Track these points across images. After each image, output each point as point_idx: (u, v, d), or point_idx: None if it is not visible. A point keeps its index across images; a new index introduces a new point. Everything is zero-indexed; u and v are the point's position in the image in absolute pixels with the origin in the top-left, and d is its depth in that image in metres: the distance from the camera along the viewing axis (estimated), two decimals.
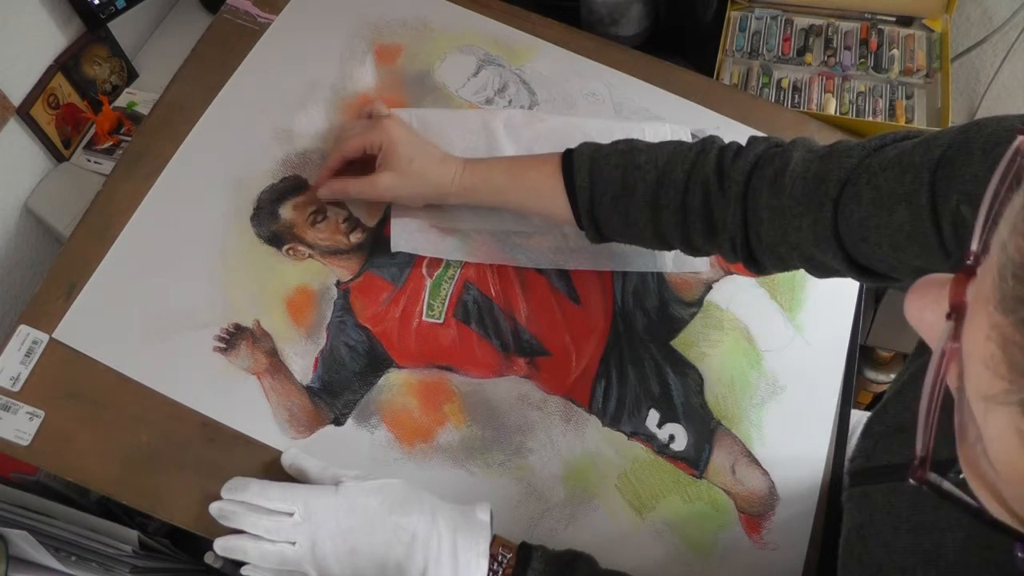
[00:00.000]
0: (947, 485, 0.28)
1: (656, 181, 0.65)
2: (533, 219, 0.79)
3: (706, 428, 0.75)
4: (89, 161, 0.97)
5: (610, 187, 0.67)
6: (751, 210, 0.61)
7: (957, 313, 0.27)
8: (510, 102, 0.87)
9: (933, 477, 0.28)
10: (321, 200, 0.77)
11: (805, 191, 0.58)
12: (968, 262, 0.27)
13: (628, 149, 0.67)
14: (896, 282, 0.58)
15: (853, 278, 0.60)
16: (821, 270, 0.62)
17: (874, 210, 0.53)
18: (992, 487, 0.27)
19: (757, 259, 0.64)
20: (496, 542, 0.61)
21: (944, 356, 0.27)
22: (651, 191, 0.65)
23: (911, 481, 0.28)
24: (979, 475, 0.27)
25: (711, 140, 0.66)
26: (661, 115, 0.87)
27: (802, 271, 0.82)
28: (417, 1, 0.91)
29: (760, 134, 0.66)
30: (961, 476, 0.28)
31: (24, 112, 0.90)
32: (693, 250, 0.68)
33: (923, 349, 0.54)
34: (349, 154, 0.75)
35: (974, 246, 0.27)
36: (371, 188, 0.73)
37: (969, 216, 0.47)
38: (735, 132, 0.85)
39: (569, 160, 0.69)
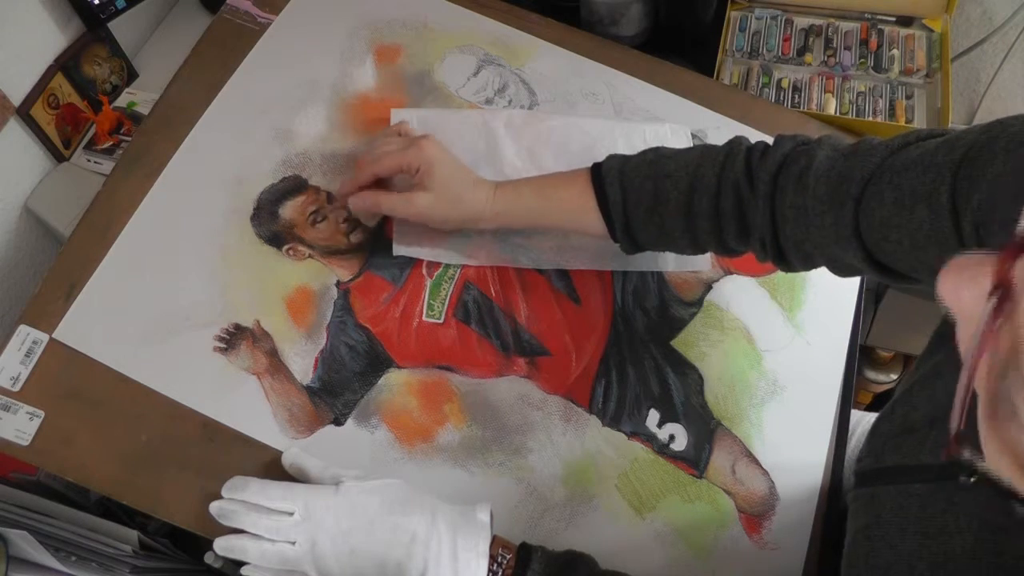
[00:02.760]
0: (982, 463, 0.28)
1: (688, 188, 0.65)
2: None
3: (706, 428, 0.75)
4: (89, 161, 0.97)
5: (643, 199, 0.66)
6: (778, 209, 0.62)
7: (1004, 289, 0.26)
8: (510, 102, 0.87)
9: (968, 452, 0.28)
10: (352, 208, 0.74)
11: (828, 190, 0.58)
12: (1017, 239, 0.27)
13: (656, 159, 0.67)
14: (917, 283, 0.58)
15: (874, 277, 0.60)
16: (844, 269, 0.62)
17: (895, 209, 0.53)
18: None
19: (786, 257, 0.64)
20: (496, 542, 0.61)
21: (985, 335, 0.27)
22: (684, 199, 0.65)
23: (946, 457, 0.28)
24: (1016, 454, 0.27)
25: (738, 141, 0.66)
26: (661, 115, 0.87)
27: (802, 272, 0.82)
28: (417, 1, 0.91)
29: (786, 133, 0.65)
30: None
31: (24, 112, 0.90)
32: (727, 251, 0.68)
33: (935, 349, 0.54)
34: (384, 173, 0.73)
35: None
36: (406, 206, 0.71)
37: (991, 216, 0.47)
38: (735, 132, 0.84)
39: (599, 175, 0.69)
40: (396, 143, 0.75)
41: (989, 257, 0.28)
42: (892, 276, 0.59)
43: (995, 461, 0.28)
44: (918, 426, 0.51)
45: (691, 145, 0.69)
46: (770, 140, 0.65)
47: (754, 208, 0.63)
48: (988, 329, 0.26)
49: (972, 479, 0.45)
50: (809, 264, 0.64)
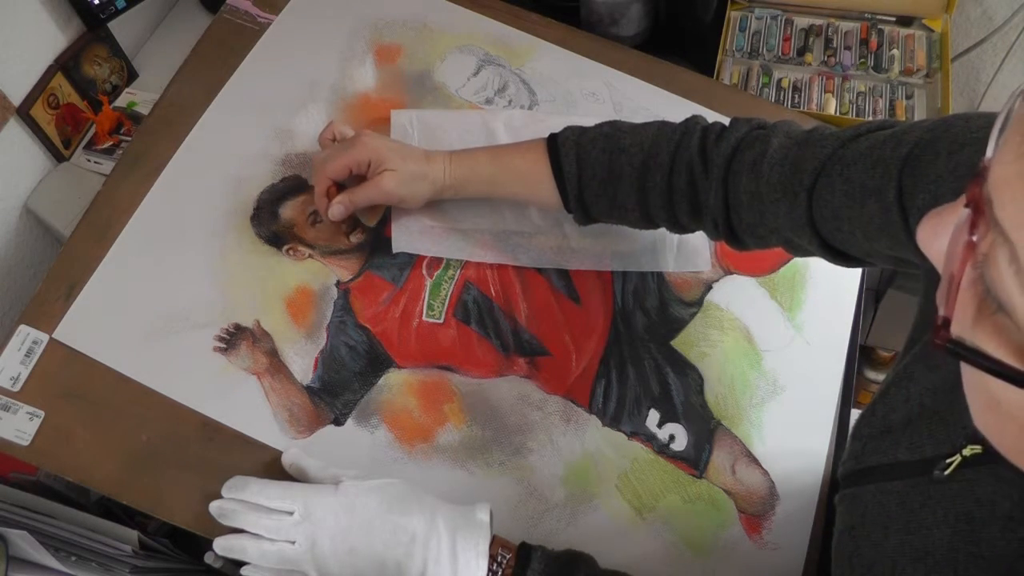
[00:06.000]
0: (969, 342, 0.29)
1: (642, 164, 0.66)
2: (532, 216, 0.79)
3: (706, 428, 0.75)
4: (89, 161, 0.97)
5: (597, 171, 0.68)
6: (731, 193, 0.63)
7: (975, 205, 0.29)
8: (510, 102, 0.87)
9: (956, 335, 0.30)
10: (333, 219, 0.74)
11: (781, 179, 0.59)
12: (981, 168, 0.29)
13: (612, 132, 0.68)
14: (872, 266, 0.60)
15: (829, 261, 0.61)
16: (798, 251, 0.63)
17: (846, 201, 0.55)
18: (1019, 346, 0.28)
19: (739, 237, 0.65)
20: (496, 542, 0.61)
21: (967, 245, 0.29)
22: (638, 174, 0.66)
23: (936, 342, 0.30)
24: (1010, 340, 0.29)
25: (694, 121, 0.67)
26: (661, 115, 0.87)
27: (801, 271, 0.82)
28: (417, 1, 0.91)
29: (741, 116, 0.66)
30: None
31: (24, 112, 0.90)
32: (679, 228, 0.69)
33: (906, 352, 0.55)
34: (335, 175, 0.73)
35: (989, 153, 0.29)
36: (377, 190, 0.72)
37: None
38: None
39: (554, 146, 0.69)
40: (335, 148, 0.74)
41: (957, 202, 0.31)
42: (847, 261, 0.60)
43: (988, 347, 0.29)
44: (895, 426, 0.52)
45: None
46: (727, 121, 0.66)
47: (707, 188, 0.64)
48: (967, 241, 0.29)
49: (945, 472, 0.45)
50: (763, 245, 0.65)
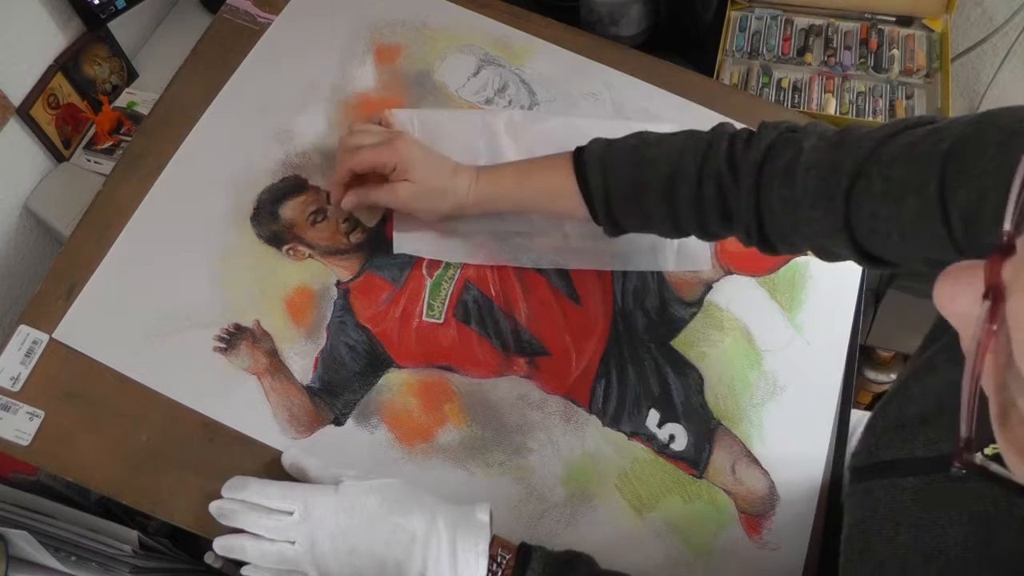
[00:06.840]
0: (995, 467, 0.27)
1: (669, 176, 0.65)
2: (534, 219, 0.79)
3: (706, 428, 0.75)
4: (89, 161, 0.97)
5: (624, 184, 0.67)
6: (763, 200, 0.61)
7: (995, 293, 0.26)
8: (510, 102, 0.87)
9: (980, 459, 0.27)
10: (345, 208, 0.75)
11: (818, 183, 0.57)
12: (1003, 241, 0.27)
13: (639, 144, 0.68)
14: (903, 269, 0.59)
15: (861, 265, 0.60)
16: (831, 257, 0.62)
17: (884, 201, 0.53)
18: None
19: (772, 243, 0.64)
20: (495, 542, 0.61)
21: (983, 339, 0.26)
22: (665, 187, 0.65)
23: (955, 466, 0.27)
24: None
25: (722, 129, 0.66)
26: (661, 115, 0.87)
27: (801, 271, 0.82)
28: (417, 1, 0.91)
29: (769, 120, 0.65)
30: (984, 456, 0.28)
31: (24, 112, 0.90)
32: (710, 236, 0.68)
33: (929, 344, 0.54)
34: (359, 168, 0.73)
35: (1007, 226, 0.27)
36: (391, 196, 0.73)
37: (977, 210, 0.47)
38: None
39: (580, 160, 0.69)
40: (373, 134, 0.75)
41: (981, 262, 0.28)
42: (879, 264, 0.59)
43: (1015, 467, 0.27)
44: (912, 421, 0.52)
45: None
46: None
47: (737, 198, 0.63)
48: (986, 333, 0.26)
49: (964, 471, 0.45)
50: (795, 251, 0.65)
